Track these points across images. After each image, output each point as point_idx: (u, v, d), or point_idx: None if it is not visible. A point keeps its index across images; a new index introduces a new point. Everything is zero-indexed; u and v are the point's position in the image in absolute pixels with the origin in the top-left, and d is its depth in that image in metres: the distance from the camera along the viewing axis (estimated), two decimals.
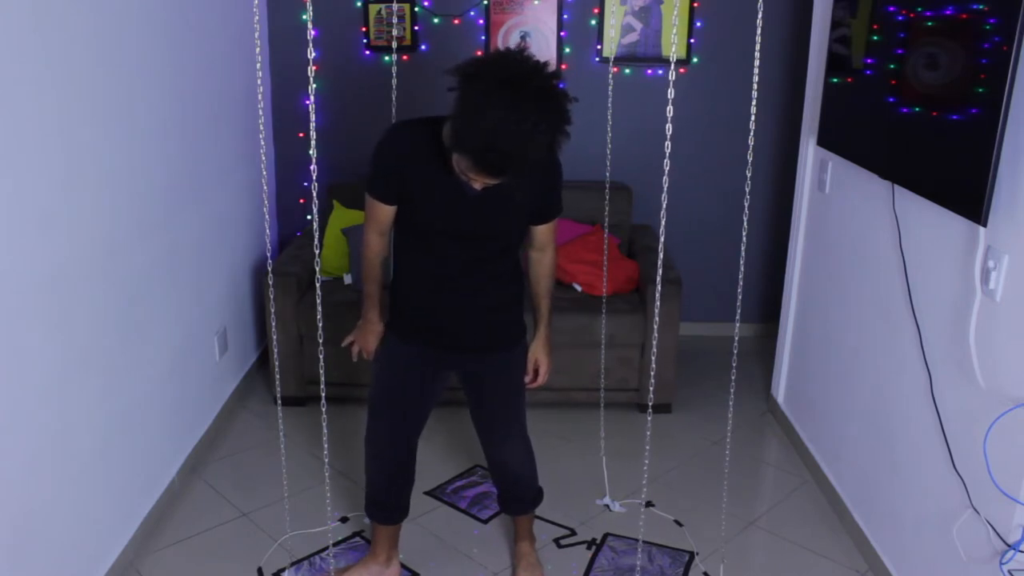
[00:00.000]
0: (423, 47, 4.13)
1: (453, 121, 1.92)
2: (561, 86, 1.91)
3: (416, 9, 4.07)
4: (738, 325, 2.46)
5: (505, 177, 1.95)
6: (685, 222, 4.31)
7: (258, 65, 2.07)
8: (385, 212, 2.25)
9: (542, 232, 2.34)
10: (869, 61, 2.67)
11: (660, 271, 1.97)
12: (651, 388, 2.27)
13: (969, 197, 2.05)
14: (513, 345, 2.40)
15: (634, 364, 3.60)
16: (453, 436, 3.47)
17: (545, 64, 1.91)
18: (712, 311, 4.48)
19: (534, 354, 2.43)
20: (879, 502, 2.71)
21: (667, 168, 1.97)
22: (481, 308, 2.31)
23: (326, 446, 2.33)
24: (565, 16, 4.10)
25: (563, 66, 4.16)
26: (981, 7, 2.03)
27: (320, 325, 2.17)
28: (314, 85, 1.70)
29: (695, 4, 4.07)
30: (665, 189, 1.95)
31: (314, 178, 1.99)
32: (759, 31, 2.10)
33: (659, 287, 2.04)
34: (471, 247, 2.23)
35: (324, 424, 2.28)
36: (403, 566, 2.69)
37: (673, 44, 2.03)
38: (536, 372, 2.44)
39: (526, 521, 2.71)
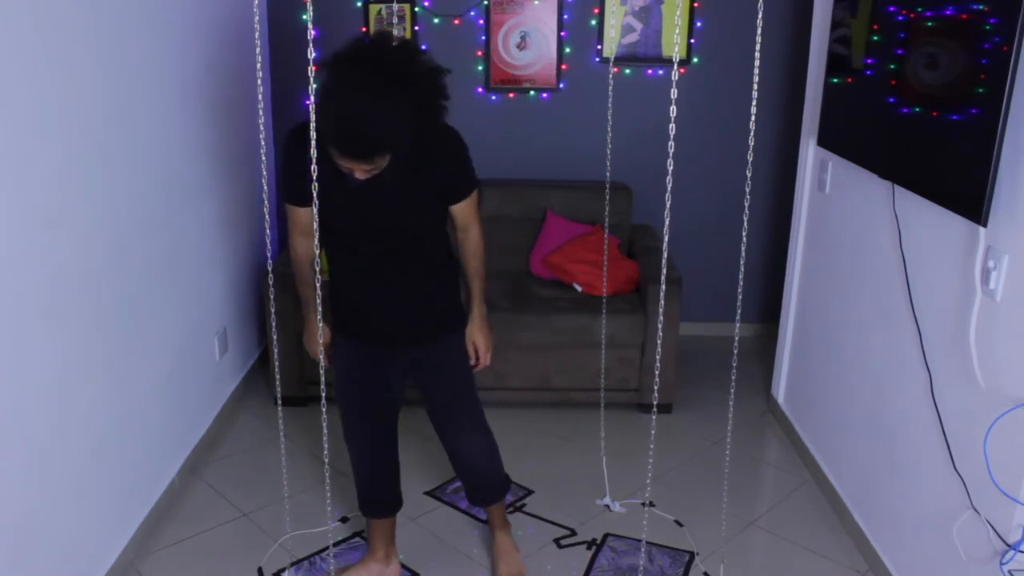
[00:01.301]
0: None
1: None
2: (429, 63, 1.97)
3: (416, 9, 4.07)
4: (738, 325, 2.46)
5: (375, 160, 1.95)
6: (685, 222, 4.30)
7: (258, 65, 2.07)
8: (299, 214, 2.27)
9: (459, 212, 2.30)
10: (869, 61, 2.67)
11: (664, 270, 1.97)
12: (655, 387, 2.27)
13: (969, 197, 2.05)
14: (446, 334, 2.39)
15: (634, 364, 3.60)
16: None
17: (401, 44, 1.98)
18: (712, 311, 4.48)
19: (470, 336, 2.41)
20: (879, 502, 2.71)
21: (671, 168, 1.97)
22: (404, 299, 2.31)
23: (326, 446, 2.32)
24: (565, 16, 4.10)
25: (563, 66, 4.16)
26: (981, 7, 2.03)
27: (320, 325, 2.17)
28: (314, 85, 1.70)
29: (695, 4, 4.07)
30: (669, 189, 1.95)
31: (314, 178, 1.99)
32: (759, 31, 2.10)
33: (663, 286, 2.04)
34: (380, 239, 2.23)
35: (324, 424, 2.28)
36: (403, 566, 2.69)
37: (675, 44, 2.02)
38: (477, 354, 2.42)
39: (498, 510, 2.69)
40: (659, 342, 1.98)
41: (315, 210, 1.78)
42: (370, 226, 2.21)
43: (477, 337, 2.42)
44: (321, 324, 2.32)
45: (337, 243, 2.28)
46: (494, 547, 2.69)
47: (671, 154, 1.95)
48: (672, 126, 1.86)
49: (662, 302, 2.00)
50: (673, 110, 1.85)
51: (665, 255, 2.00)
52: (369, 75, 1.88)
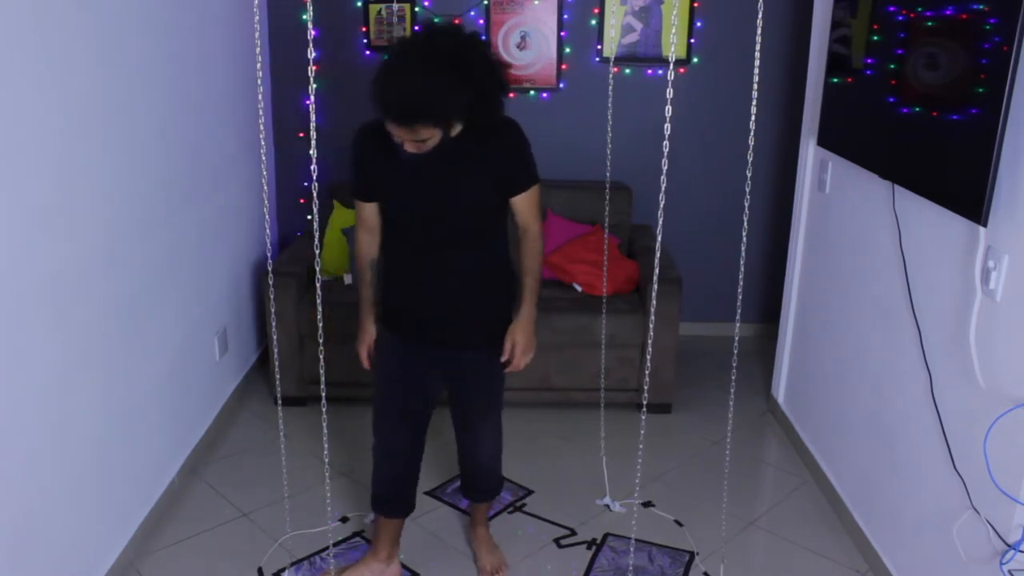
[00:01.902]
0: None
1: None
2: (492, 57, 2.09)
3: (416, 9, 4.07)
4: (738, 325, 2.46)
5: (416, 128, 2.01)
6: (685, 222, 4.31)
7: (258, 65, 2.07)
8: (367, 210, 2.34)
9: (518, 207, 2.29)
10: (869, 61, 2.67)
11: (657, 270, 1.97)
12: (645, 386, 2.27)
13: (969, 197, 2.05)
14: (493, 344, 2.37)
15: (634, 364, 3.60)
16: (453, 436, 3.47)
17: (470, 34, 2.08)
18: (712, 311, 4.48)
19: (512, 333, 2.34)
20: (879, 502, 2.71)
21: (665, 168, 1.97)
22: (458, 302, 2.32)
23: (326, 446, 2.33)
24: (565, 16, 4.10)
25: (563, 66, 4.16)
26: (981, 7, 2.03)
27: (320, 325, 2.17)
28: (314, 85, 1.70)
29: (695, 4, 4.07)
30: (663, 189, 1.95)
31: (314, 178, 1.99)
32: (759, 31, 2.10)
33: (654, 286, 2.04)
34: (435, 228, 2.25)
35: (324, 424, 2.28)
36: (403, 566, 2.69)
37: (673, 44, 2.03)
38: (512, 352, 2.34)
39: (485, 508, 2.75)
40: (650, 341, 1.99)
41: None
42: (425, 210, 2.23)
43: (519, 336, 2.34)
44: (366, 327, 2.39)
45: (399, 239, 2.31)
46: (476, 539, 2.74)
47: (666, 154, 1.95)
48: (668, 126, 1.86)
49: (654, 302, 2.00)
50: (669, 110, 1.85)
51: (658, 255, 2.00)
52: (429, 50, 1.98)
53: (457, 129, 2.12)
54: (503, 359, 2.37)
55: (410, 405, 2.45)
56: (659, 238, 1.99)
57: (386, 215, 2.31)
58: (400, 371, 2.42)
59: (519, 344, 2.34)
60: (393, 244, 2.34)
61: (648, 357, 2.16)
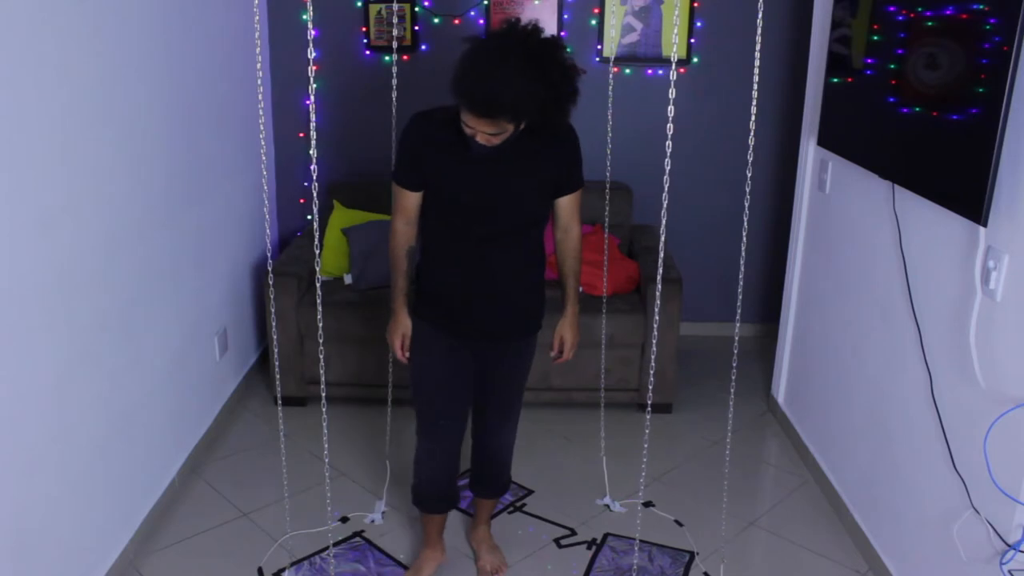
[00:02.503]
0: (423, 47, 4.13)
1: (452, 79, 2.04)
2: (571, 61, 2.09)
3: (416, 9, 4.07)
4: (738, 325, 2.47)
5: (498, 120, 2.03)
6: (685, 222, 4.31)
7: (258, 65, 2.07)
8: (410, 199, 2.30)
9: (563, 207, 2.39)
10: (869, 61, 2.67)
11: (660, 270, 1.97)
12: (650, 386, 2.27)
13: (969, 197, 2.05)
14: (530, 334, 2.45)
15: (634, 364, 3.60)
16: None
17: (551, 36, 2.09)
18: (712, 311, 4.48)
19: (560, 330, 2.48)
20: (879, 502, 2.71)
21: (668, 168, 1.97)
22: (506, 294, 2.35)
23: (326, 446, 2.33)
24: (565, 16, 4.10)
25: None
26: (981, 7, 2.03)
27: (320, 325, 2.17)
28: (314, 85, 1.70)
29: (695, 4, 4.07)
30: (666, 189, 1.96)
31: (314, 178, 2.00)
32: (759, 31, 2.10)
33: (658, 285, 2.04)
34: (490, 222, 2.26)
35: (324, 424, 2.28)
36: (403, 566, 2.69)
37: (674, 44, 2.03)
38: (561, 348, 2.49)
39: (491, 506, 2.75)
40: (654, 340, 1.99)
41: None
42: (484, 203, 2.24)
43: (567, 333, 2.47)
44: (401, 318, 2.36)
45: (447, 227, 2.30)
46: (476, 538, 2.75)
47: (668, 153, 1.95)
48: (670, 126, 1.86)
49: (658, 301, 2.00)
50: (671, 110, 1.85)
51: (661, 255, 2.00)
52: (512, 47, 2.00)
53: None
54: (552, 353, 2.51)
55: (456, 407, 2.46)
56: (663, 237, 1.99)
57: (436, 206, 2.29)
58: (446, 374, 2.41)
59: (568, 340, 2.48)
60: (439, 236, 2.33)
61: (653, 357, 2.17)
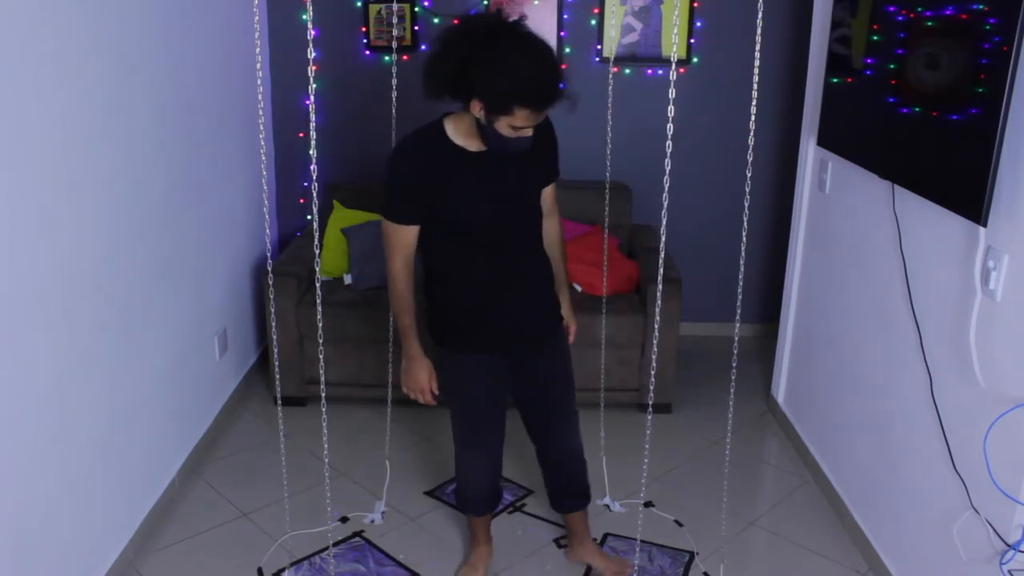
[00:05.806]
0: (423, 47, 4.13)
1: (489, 89, 1.97)
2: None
3: (416, 9, 4.07)
4: (738, 325, 2.47)
5: (551, 108, 2.04)
6: (685, 222, 4.31)
7: (258, 65, 2.07)
8: (409, 235, 2.22)
9: (548, 196, 2.40)
10: (869, 61, 2.67)
11: (661, 270, 1.97)
12: (651, 386, 2.27)
13: (969, 197, 2.05)
14: (559, 324, 2.47)
15: (634, 364, 3.60)
16: (449, 439, 3.47)
17: (500, 11, 2.11)
18: (712, 311, 4.48)
19: (566, 317, 2.50)
20: (879, 502, 2.71)
21: (668, 168, 1.97)
22: (534, 299, 2.36)
23: (326, 446, 2.33)
24: (565, 16, 4.10)
25: (563, 66, 4.15)
26: (981, 7, 2.03)
27: (320, 325, 2.17)
28: (314, 85, 1.70)
29: (695, 4, 4.07)
30: (666, 189, 1.96)
31: (314, 178, 1.99)
32: (759, 31, 2.10)
33: (659, 287, 2.04)
34: (510, 226, 2.25)
35: (324, 424, 2.28)
36: (403, 566, 2.69)
37: (674, 44, 2.03)
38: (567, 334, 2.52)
39: (582, 518, 2.67)
40: (655, 341, 1.99)
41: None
42: (504, 208, 2.22)
43: (570, 318, 2.52)
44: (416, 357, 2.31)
45: (461, 247, 2.24)
46: (585, 553, 2.67)
47: (669, 153, 1.95)
48: (670, 126, 1.86)
49: (659, 302, 2.00)
50: (671, 110, 1.85)
51: (662, 255, 2.00)
52: (521, 32, 2.00)
53: None
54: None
55: (501, 417, 2.45)
56: (663, 238, 1.99)
57: (446, 229, 2.22)
58: (492, 394, 2.39)
59: (572, 325, 2.53)
60: (450, 259, 2.26)
61: (653, 357, 2.17)
